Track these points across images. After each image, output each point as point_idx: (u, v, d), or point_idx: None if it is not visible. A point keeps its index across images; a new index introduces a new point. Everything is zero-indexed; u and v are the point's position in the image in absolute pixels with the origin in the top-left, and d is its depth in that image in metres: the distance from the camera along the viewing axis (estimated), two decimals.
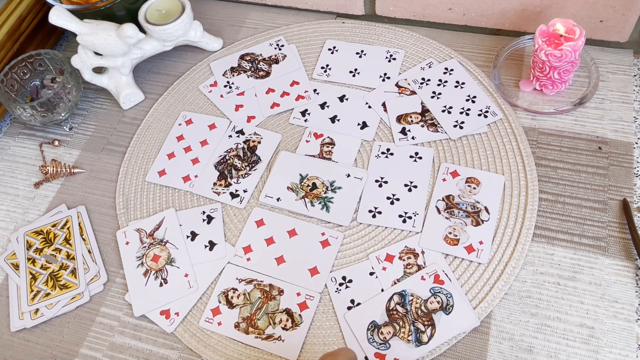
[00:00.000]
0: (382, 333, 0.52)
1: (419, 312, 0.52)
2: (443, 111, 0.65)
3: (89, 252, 0.61)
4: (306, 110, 0.69)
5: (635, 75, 0.66)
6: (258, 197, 0.62)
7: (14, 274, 0.61)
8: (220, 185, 0.64)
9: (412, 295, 0.53)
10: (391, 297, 0.54)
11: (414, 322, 0.52)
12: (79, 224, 0.64)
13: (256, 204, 0.62)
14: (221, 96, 0.72)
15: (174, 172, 0.66)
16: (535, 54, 0.62)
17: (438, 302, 0.53)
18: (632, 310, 0.51)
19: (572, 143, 0.62)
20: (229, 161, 0.66)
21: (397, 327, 0.52)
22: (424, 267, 0.55)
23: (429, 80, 0.68)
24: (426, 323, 0.52)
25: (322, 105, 0.69)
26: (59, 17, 0.64)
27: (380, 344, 0.51)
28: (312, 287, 0.56)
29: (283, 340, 0.53)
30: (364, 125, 0.66)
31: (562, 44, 0.59)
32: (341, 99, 0.69)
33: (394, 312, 0.53)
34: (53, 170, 0.68)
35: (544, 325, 0.51)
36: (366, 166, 0.63)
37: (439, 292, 0.53)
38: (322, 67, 0.72)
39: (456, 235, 0.56)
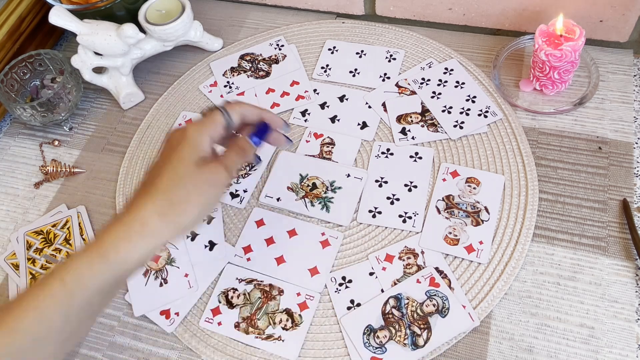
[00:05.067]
0: (378, 337, 0.52)
1: (415, 315, 0.52)
2: (443, 111, 0.65)
3: None
4: (306, 110, 0.69)
5: (635, 75, 0.66)
6: (258, 197, 0.62)
7: (14, 274, 0.61)
8: None
9: (407, 299, 0.53)
10: (387, 301, 0.53)
11: (410, 326, 0.52)
12: (79, 224, 0.64)
13: (256, 204, 0.62)
14: (221, 96, 0.72)
15: None
16: (535, 54, 0.62)
17: (434, 305, 0.52)
18: (632, 310, 0.51)
19: (572, 143, 0.62)
20: None
21: (393, 331, 0.52)
22: (423, 267, 0.55)
23: (429, 80, 0.68)
24: (422, 326, 0.52)
25: (322, 105, 0.69)
26: (59, 17, 0.64)
27: (377, 348, 0.51)
28: (312, 287, 0.56)
29: (283, 340, 0.53)
30: (364, 125, 0.66)
31: (562, 44, 0.59)
32: (341, 99, 0.69)
33: (390, 316, 0.53)
34: (53, 170, 0.68)
35: (544, 325, 0.51)
36: (366, 166, 0.63)
37: (435, 295, 0.53)
38: (322, 67, 0.72)
39: (456, 235, 0.56)
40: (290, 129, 0.62)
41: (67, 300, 0.41)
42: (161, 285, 0.58)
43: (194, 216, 0.45)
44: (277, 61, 0.74)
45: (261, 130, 0.52)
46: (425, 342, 0.51)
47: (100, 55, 0.69)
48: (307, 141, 0.66)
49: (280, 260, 0.58)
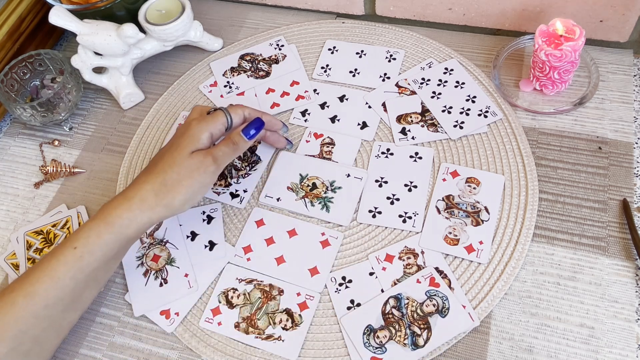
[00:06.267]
0: (378, 337, 0.52)
1: (415, 315, 0.52)
2: (443, 111, 0.65)
3: None
4: (306, 110, 0.69)
5: (635, 75, 0.66)
6: (258, 197, 0.62)
7: (14, 274, 0.61)
8: (220, 185, 0.64)
9: (407, 299, 0.53)
10: (387, 301, 0.53)
11: (410, 326, 0.52)
12: (79, 224, 0.64)
13: (256, 204, 0.62)
14: (221, 96, 0.72)
15: None
16: (535, 54, 0.62)
17: (434, 305, 0.52)
18: (632, 310, 0.51)
19: (572, 143, 0.62)
20: None
21: (393, 331, 0.52)
22: (423, 267, 0.55)
23: (429, 80, 0.68)
24: (422, 326, 0.52)
25: (322, 105, 0.69)
26: (59, 17, 0.64)
27: (377, 348, 0.51)
28: (312, 287, 0.56)
29: (283, 340, 0.53)
30: (364, 125, 0.66)
31: (562, 44, 0.59)
32: (341, 99, 0.69)
33: (390, 316, 0.53)
34: (53, 170, 0.68)
35: (544, 325, 0.51)
36: (366, 166, 0.63)
37: (435, 295, 0.53)
38: (322, 67, 0.72)
39: (456, 235, 0.56)
40: (288, 130, 0.63)
41: (78, 265, 0.49)
42: (161, 285, 0.58)
43: (184, 197, 0.52)
44: (277, 61, 0.74)
45: (254, 125, 0.57)
46: (425, 342, 0.51)
47: (100, 55, 0.69)
48: (307, 141, 0.66)
49: (280, 260, 0.58)
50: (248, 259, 0.58)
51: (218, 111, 0.57)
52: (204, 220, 0.62)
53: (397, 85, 0.69)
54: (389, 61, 0.71)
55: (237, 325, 0.54)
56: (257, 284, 0.57)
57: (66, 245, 0.49)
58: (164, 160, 0.53)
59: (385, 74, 0.70)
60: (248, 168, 0.65)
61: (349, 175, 0.62)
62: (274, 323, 0.54)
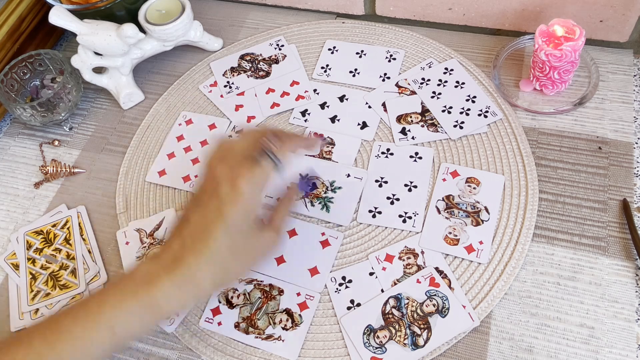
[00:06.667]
0: (378, 337, 0.52)
1: (415, 315, 0.52)
2: (443, 111, 0.65)
3: (89, 252, 0.61)
4: (306, 110, 0.69)
5: (635, 75, 0.66)
6: None
7: (14, 274, 0.61)
8: None
9: (407, 299, 0.53)
10: (387, 301, 0.53)
11: (410, 326, 0.52)
12: (79, 224, 0.64)
13: None
14: (221, 96, 0.72)
15: (174, 172, 0.66)
16: (535, 54, 0.62)
17: (434, 305, 0.52)
18: (632, 310, 0.51)
19: (572, 143, 0.62)
20: None
21: (393, 331, 0.52)
22: (423, 267, 0.55)
23: (429, 80, 0.68)
24: (422, 326, 0.52)
25: (322, 105, 0.69)
26: (59, 17, 0.64)
27: (377, 348, 0.51)
28: (312, 287, 0.56)
29: (283, 340, 0.53)
30: (364, 125, 0.66)
31: (562, 44, 0.59)
32: (341, 99, 0.69)
33: (390, 316, 0.53)
34: (53, 170, 0.68)
35: (544, 325, 0.51)
36: (366, 166, 0.63)
37: (435, 295, 0.53)
38: (322, 67, 0.72)
39: (456, 235, 0.56)
40: (327, 141, 0.65)
41: (114, 348, 0.45)
42: None
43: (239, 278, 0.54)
44: (277, 61, 0.74)
45: (309, 185, 0.60)
46: (425, 342, 0.51)
47: (100, 55, 0.69)
48: None
49: (280, 260, 0.58)
50: None
51: (268, 162, 0.47)
52: None
53: (397, 85, 0.69)
54: (389, 61, 0.71)
55: (237, 325, 0.54)
56: (257, 284, 0.56)
57: (101, 323, 0.43)
58: (220, 238, 0.45)
59: (385, 74, 0.70)
60: None
61: (349, 175, 0.62)
62: (274, 323, 0.54)
